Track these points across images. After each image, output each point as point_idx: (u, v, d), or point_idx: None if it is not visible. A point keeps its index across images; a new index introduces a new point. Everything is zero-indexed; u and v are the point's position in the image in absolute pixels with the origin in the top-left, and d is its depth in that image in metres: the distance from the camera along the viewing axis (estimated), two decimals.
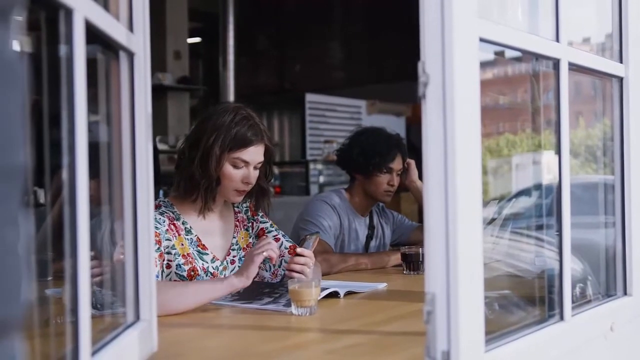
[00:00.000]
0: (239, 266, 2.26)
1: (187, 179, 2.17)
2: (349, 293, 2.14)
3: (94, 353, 1.07)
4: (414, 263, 2.59)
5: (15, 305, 0.57)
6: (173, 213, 2.19)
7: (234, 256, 2.29)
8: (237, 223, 2.34)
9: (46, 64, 1.04)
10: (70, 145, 0.99)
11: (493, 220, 2.04)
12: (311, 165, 7.16)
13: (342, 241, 2.97)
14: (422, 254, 2.59)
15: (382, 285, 2.31)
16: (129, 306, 1.34)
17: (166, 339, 1.49)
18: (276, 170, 7.31)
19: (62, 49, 1.00)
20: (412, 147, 3.28)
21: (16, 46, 0.60)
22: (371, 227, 3.10)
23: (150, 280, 1.37)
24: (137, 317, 1.35)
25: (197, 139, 2.16)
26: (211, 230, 2.25)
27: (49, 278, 1.32)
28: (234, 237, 2.31)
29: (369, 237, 3.08)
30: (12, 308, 0.57)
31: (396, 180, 2.97)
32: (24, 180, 0.60)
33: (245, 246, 2.33)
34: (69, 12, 0.98)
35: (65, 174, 1.00)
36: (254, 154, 2.17)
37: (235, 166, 2.16)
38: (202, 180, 2.14)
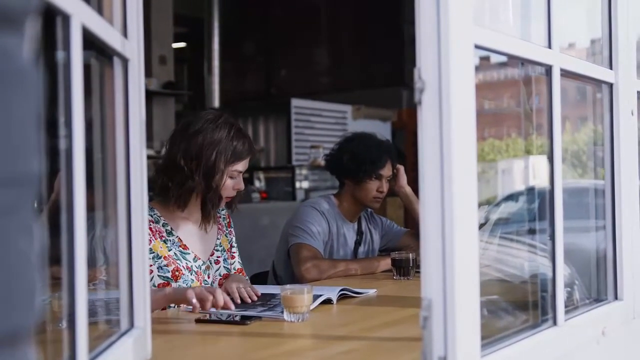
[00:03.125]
0: (224, 266, 2.36)
1: (187, 192, 2.22)
2: (342, 296, 2.14)
3: None
4: (404, 268, 2.59)
5: (30, 314, 0.57)
6: (152, 216, 2.22)
7: (217, 256, 2.36)
8: (220, 226, 2.42)
9: (42, 69, 1.03)
10: (67, 151, 0.98)
11: (482, 225, 2.05)
12: (297, 171, 7.14)
13: (330, 247, 2.97)
14: (412, 260, 2.60)
15: (372, 291, 2.31)
16: (123, 314, 1.33)
17: (160, 347, 1.48)
18: (262, 175, 7.30)
19: (59, 55, 1.00)
20: (398, 152, 3.28)
21: (30, 53, 0.60)
22: (360, 233, 3.10)
23: (144, 288, 1.36)
24: (132, 325, 1.34)
25: (195, 154, 2.19)
26: (194, 232, 2.31)
27: None
28: (218, 239, 2.38)
29: (358, 243, 3.08)
30: (28, 317, 0.57)
31: (385, 187, 2.98)
32: (36, 188, 0.59)
33: (226, 249, 2.41)
34: (66, 18, 0.97)
35: (62, 180, 0.99)
36: (247, 163, 2.30)
37: (231, 177, 2.26)
38: (207, 194, 2.22)
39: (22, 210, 0.57)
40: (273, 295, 2.15)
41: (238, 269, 2.41)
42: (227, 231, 2.45)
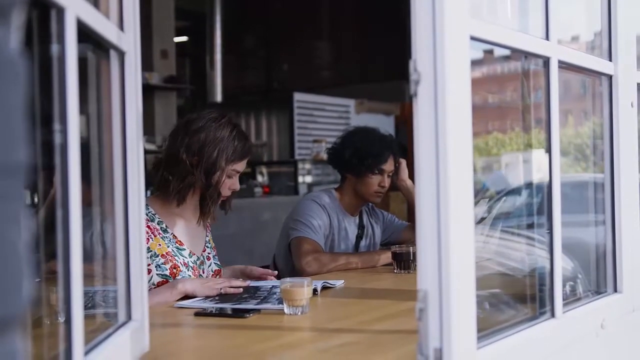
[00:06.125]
0: (214, 263, 2.41)
1: (187, 187, 2.24)
2: (324, 288, 2.19)
3: (86, 353, 1.07)
4: (404, 262, 2.60)
5: (17, 303, 0.58)
6: (147, 214, 2.23)
7: (208, 253, 2.41)
8: (208, 225, 2.46)
9: (36, 63, 1.03)
10: (62, 145, 0.98)
11: (483, 219, 2.05)
12: (300, 165, 7.14)
13: (331, 241, 2.97)
14: (413, 253, 2.60)
15: (339, 282, 2.33)
16: (121, 306, 1.34)
17: (158, 339, 1.48)
18: (264, 170, 7.30)
19: (54, 48, 1.00)
20: (401, 146, 3.27)
21: (17, 44, 0.60)
22: (361, 227, 3.10)
23: (142, 281, 1.37)
24: (129, 317, 1.34)
25: (197, 150, 2.22)
26: (187, 229, 2.34)
27: (38, 279, 1.31)
28: (207, 236, 2.43)
29: (359, 237, 3.08)
30: (14, 306, 0.57)
31: (387, 182, 2.97)
32: (24, 178, 0.60)
33: (213, 247, 2.46)
34: (60, 11, 0.97)
35: (57, 175, 0.99)
36: (245, 164, 2.34)
37: (229, 176, 2.29)
38: (207, 191, 2.25)
39: (10, 199, 0.57)
40: (258, 288, 2.17)
41: (215, 270, 2.42)
42: (210, 230, 2.49)
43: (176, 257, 2.23)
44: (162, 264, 2.19)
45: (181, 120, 2.36)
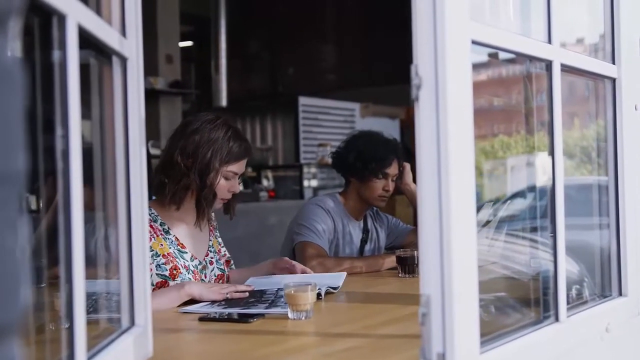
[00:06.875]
0: (217, 267, 2.40)
1: (182, 189, 2.24)
2: (328, 293, 2.19)
3: (89, 359, 1.07)
4: (409, 266, 2.59)
5: (14, 310, 0.58)
6: (150, 215, 2.23)
7: (211, 257, 2.40)
8: (211, 229, 2.45)
9: (38, 69, 1.03)
10: (64, 151, 0.99)
11: (488, 222, 2.04)
12: (305, 169, 7.14)
13: (336, 245, 2.97)
14: (417, 257, 2.59)
15: (342, 275, 2.36)
16: (124, 312, 1.34)
17: (161, 345, 1.48)
18: (270, 174, 7.30)
19: (55, 54, 1.00)
20: (406, 150, 3.27)
21: (14, 51, 0.61)
22: (365, 231, 3.10)
23: (145, 286, 1.37)
24: (132, 323, 1.35)
25: (192, 151, 2.23)
26: (189, 233, 2.33)
27: (43, 285, 1.32)
28: (210, 240, 2.42)
29: (364, 241, 3.08)
30: (11, 312, 0.57)
31: (391, 186, 2.97)
32: (22, 185, 0.60)
33: (217, 250, 2.44)
34: (62, 18, 0.98)
35: (59, 180, 0.99)
36: (243, 166, 2.32)
37: (226, 178, 2.28)
38: (202, 192, 2.24)
39: (8, 206, 0.57)
40: (264, 292, 2.17)
41: (219, 274, 2.42)
42: (216, 233, 2.49)
43: (177, 259, 2.23)
44: (163, 264, 2.19)
45: (179, 125, 2.37)
